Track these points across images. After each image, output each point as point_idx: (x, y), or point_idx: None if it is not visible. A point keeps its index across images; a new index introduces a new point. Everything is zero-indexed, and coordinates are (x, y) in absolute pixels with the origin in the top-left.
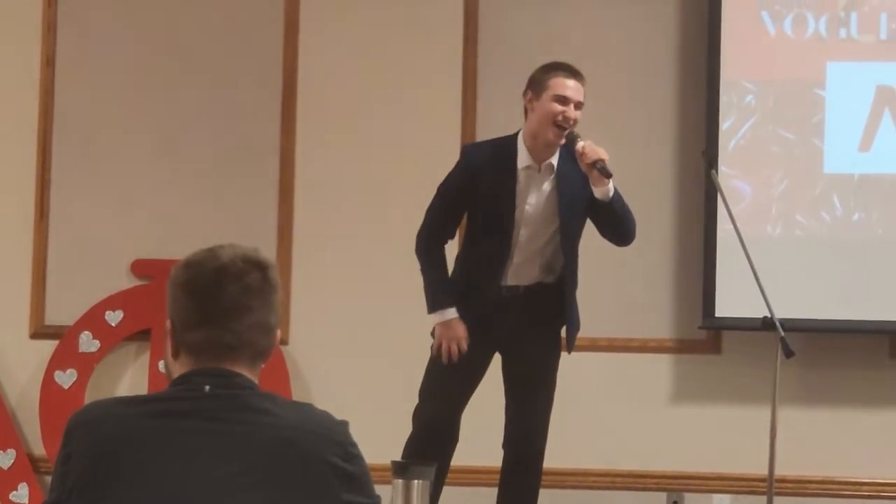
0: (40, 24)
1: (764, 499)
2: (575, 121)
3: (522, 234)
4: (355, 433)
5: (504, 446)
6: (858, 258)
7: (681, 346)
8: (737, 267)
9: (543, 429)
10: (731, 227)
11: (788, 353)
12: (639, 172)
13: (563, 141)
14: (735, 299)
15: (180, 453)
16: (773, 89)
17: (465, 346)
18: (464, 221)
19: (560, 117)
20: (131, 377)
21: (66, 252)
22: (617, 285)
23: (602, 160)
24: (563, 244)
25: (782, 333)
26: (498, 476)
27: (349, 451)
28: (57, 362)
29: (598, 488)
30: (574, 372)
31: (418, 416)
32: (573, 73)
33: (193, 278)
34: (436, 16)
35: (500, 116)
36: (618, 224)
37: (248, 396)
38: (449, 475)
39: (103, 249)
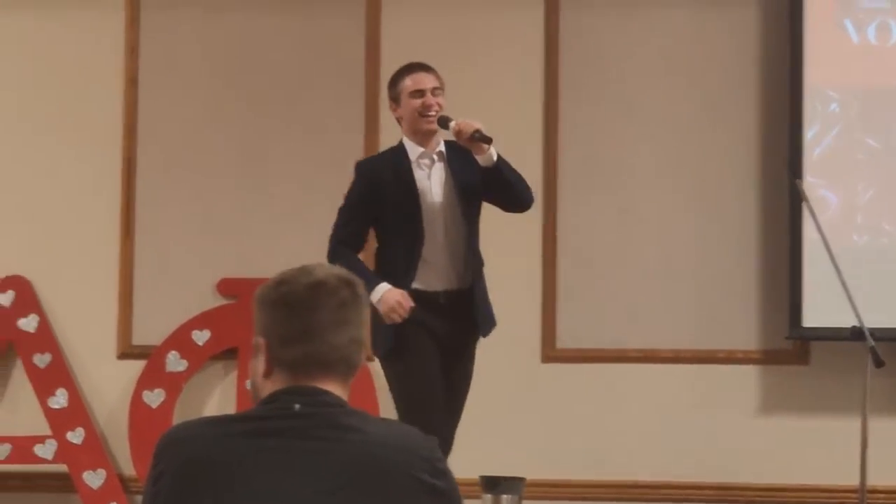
0: (123, 45)
1: None
2: (439, 105)
3: (431, 225)
4: None
5: None
6: None
7: (768, 357)
8: (823, 276)
9: (452, 440)
10: (817, 236)
11: (879, 363)
12: (722, 182)
13: (436, 127)
14: (823, 309)
15: (270, 471)
16: (857, 97)
17: (408, 303)
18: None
19: (421, 107)
20: (219, 396)
21: (153, 272)
22: (702, 296)
23: (478, 129)
24: (463, 228)
25: (872, 343)
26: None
27: (437, 467)
28: (145, 382)
29: (686, 501)
30: (660, 384)
31: None
32: (419, 66)
33: (290, 294)
34: (517, 24)
35: (583, 123)
36: (509, 188)
37: (337, 414)
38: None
39: (189, 269)
